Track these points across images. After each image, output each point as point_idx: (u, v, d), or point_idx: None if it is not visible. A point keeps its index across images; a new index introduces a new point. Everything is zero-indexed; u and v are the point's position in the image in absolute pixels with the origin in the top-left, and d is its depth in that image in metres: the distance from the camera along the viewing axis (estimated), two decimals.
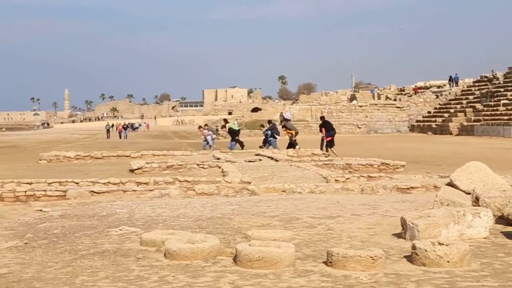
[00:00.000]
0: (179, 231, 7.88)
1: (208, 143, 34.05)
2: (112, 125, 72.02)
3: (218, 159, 21.32)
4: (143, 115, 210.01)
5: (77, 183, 13.33)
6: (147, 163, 19.39)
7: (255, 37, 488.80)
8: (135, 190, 12.35)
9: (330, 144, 30.01)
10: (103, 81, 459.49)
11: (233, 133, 34.17)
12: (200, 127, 37.24)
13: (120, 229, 8.54)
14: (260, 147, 31.69)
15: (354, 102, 73.39)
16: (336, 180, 14.03)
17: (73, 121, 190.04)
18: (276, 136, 31.96)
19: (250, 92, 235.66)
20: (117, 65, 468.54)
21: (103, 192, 12.19)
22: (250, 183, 13.18)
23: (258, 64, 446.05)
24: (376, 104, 65.86)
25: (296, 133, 32.27)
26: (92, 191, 12.16)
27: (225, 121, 38.95)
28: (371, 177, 14.53)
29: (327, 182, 14.03)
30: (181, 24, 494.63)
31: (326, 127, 31.05)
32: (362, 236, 8.00)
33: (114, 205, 11.10)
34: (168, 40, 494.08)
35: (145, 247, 7.38)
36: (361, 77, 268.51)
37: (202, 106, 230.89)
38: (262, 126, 34.93)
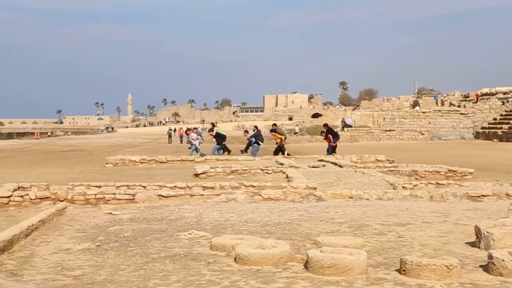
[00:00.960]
0: (249, 236, 7.87)
1: (196, 147, 32.84)
2: (174, 129, 72.58)
3: (282, 164, 21.28)
4: (203, 120, 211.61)
5: (145, 187, 13.47)
6: (211, 167, 19.48)
7: (317, 43, 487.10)
8: (202, 195, 12.40)
9: (334, 150, 30.79)
10: (166, 87, 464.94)
11: (220, 138, 32.82)
12: (188, 129, 36.40)
13: (190, 233, 8.58)
14: (241, 152, 32.19)
15: (417, 108, 72.34)
16: (403, 187, 13.81)
17: (137, 126, 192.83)
18: (260, 143, 32.12)
19: (310, 97, 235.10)
20: (179, 70, 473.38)
21: (171, 196, 12.28)
22: (316, 188, 13.09)
23: (319, 70, 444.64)
24: (439, 111, 64.69)
25: (285, 138, 32.92)
26: (160, 195, 12.26)
27: (213, 125, 36.92)
28: (439, 184, 14.26)
29: (394, 188, 13.83)
30: (243, 30, 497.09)
31: (332, 134, 32.06)
32: (434, 244, 7.84)
33: (182, 209, 11.18)
34: (229, 46, 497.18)
35: (215, 252, 7.40)
36: (424, 83, 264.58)
37: (262, 111, 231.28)
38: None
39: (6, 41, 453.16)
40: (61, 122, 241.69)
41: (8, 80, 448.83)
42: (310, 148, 45.55)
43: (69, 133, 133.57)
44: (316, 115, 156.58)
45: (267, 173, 18.79)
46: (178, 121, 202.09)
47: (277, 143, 32.06)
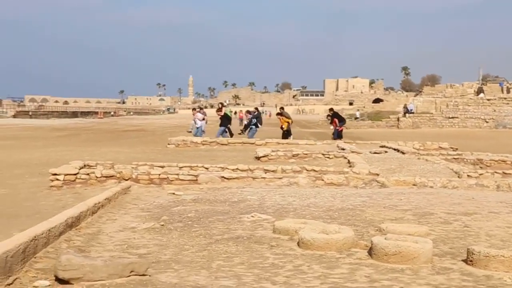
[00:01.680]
0: (312, 221, 7.85)
1: (201, 129, 31.34)
2: (235, 112, 72.75)
3: (343, 149, 21.13)
4: (264, 103, 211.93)
5: (207, 168, 13.57)
6: (272, 151, 19.49)
7: (379, 27, 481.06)
8: (264, 178, 12.42)
9: (340, 135, 31.19)
10: (226, 69, 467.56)
11: (227, 119, 32.06)
12: (194, 109, 33.84)
13: (252, 216, 8.61)
14: (240, 133, 32.62)
15: (481, 95, 70.72)
16: (468, 176, 13.55)
17: (207, 107, 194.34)
18: (259, 125, 32.31)
19: (372, 82, 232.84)
20: (241, 53, 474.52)
21: (233, 178, 12.33)
22: (378, 175, 12.95)
23: (380, 55, 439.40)
24: (505, 98, 63.16)
25: (291, 122, 32.37)
26: (222, 177, 12.32)
27: (221, 104, 34.93)
28: (506, 173, 13.93)
29: (459, 177, 13.57)
30: (304, 13, 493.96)
31: (338, 118, 32.38)
32: (502, 235, 7.67)
33: (244, 191, 11.22)
34: (290, 28, 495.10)
35: (278, 235, 7.41)
36: (489, 69, 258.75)
37: (323, 95, 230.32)
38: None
39: (70, 24, 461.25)
40: (123, 102, 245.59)
41: (74, 61, 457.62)
42: (371, 134, 45.18)
43: (132, 113, 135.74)
44: (377, 100, 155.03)
45: (328, 158, 18.69)
46: (238, 104, 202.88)
47: (281, 127, 31.44)
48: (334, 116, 32.54)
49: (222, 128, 30.91)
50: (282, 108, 33.76)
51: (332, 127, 33.20)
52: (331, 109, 35.36)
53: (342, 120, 32.62)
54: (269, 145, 24.21)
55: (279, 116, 31.95)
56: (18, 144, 27.51)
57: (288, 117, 31.82)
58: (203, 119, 31.47)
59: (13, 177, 14.19)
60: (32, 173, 14.85)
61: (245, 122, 63.44)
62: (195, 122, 31.84)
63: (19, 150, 23.26)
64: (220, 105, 32.76)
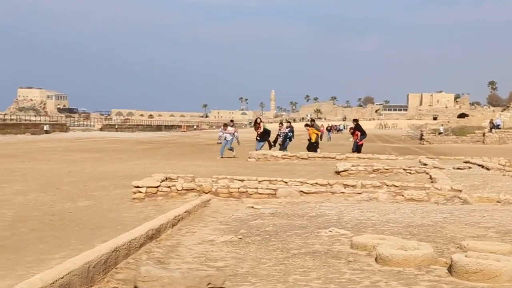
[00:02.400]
0: (390, 237, 7.75)
1: (230, 142, 29.82)
2: (327, 127, 72.30)
3: (425, 164, 20.79)
4: (345, 118, 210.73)
5: (286, 182, 13.59)
6: (352, 165, 19.36)
7: (464, 41, 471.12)
8: (343, 192, 12.34)
9: (359, 149, 30.18)
10: (308, 83, 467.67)
11: (266, 134, 31.23)
12: (225, 124, 31.52)
13: (330, 231, 8.57)
14: (270, 147, 31.68)
15: None
16: None
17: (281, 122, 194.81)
18: (292, 139, 32.02)
19: (457, 97, 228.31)
20: (323, 67, 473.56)
21: (312, 193, 12.31)
22: (461, 191, 12.67)
23: (466, 69, 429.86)
24: None
25: (321, 135, 32.48)
26: (301, 191, 12.32)
27: (260, 119, 32.78)
28: None
29: None
30: (389, 27, 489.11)
31: (361, 131, 31.06)
32: None
33: (322, 206, 11.19)
34: (374, 42, 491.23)
35: (356, 251, 7.34)
36: None
37: (406, 110, 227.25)
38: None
39: (156, 41, 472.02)
40: (206, 116, 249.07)
41: (159, 76, 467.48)
42: (456, 149, 44.24)
43: (214, 126, 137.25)
44: (462, 115, 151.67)
45: (409, 173, 18.41)
46: (319, 118, 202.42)
47: (309, 139, 31.21)
48: (357, 129, 31.62)
49: (262, 143, 30.81)
50: (313, 120, 33.83)
51: (352, 139, 32.71)
52: (355, 120, 34.47)
53: (363, 134, 31.51)
54: (350, 160, 24.07)
55: (308, 127, 31.84)
56: (104, 156, 28.29)
57: (318, 129, 31.90)
58: (234, 133, 30.75)
59: (98, 189, 14.60)
60: (116, 185, 15.24)
61: (325, 136, 63.43)
62: (223, 136, 30.34)
63: (105, 162, 23.91)
64: (259, 120, 32.02)
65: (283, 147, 30.60)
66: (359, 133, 31.07)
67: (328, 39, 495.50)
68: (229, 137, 29.61)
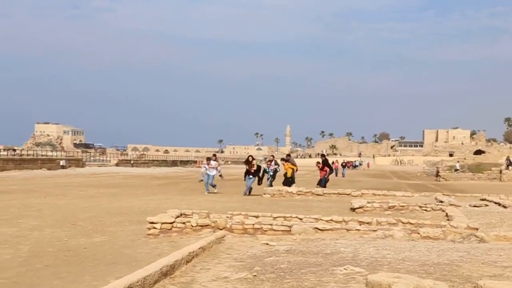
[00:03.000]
0: (406, 275, 7.67)
1: (212, 177, 29.44)
2: (332, 162, 72.24)
3: (441, 202, 20.66)
4: (360, 154, 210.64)
5: (301, 219, 13.55)
6: (368, 202, 19.28)
7: (481, 77, 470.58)
8: (358, 229, 12.28)
9: (325, 184, 31.61)
10: (323, 119, 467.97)
11: (258, 170, 29.64)
12: (208, 158, 30.97)
13: (345, 269, 8.52)
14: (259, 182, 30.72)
15: None
16: None
17: (304, 156, 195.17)
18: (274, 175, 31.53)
19: (473, 133, 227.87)
20: (338, 102, 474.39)
21: (327, 230, 12.26)
22: (477, 229, 12.57)
23: (482, 105, 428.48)
24: None
25: (296, 170, 31.54)
26: (316, 228, 12.28)
27: (252, 158, 30.59)
28: None
29: None
30: (404, 64, 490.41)
31: (329, 167, 33.04)
32: None
33: (337, 243, 11.13)
34: (389, 78, 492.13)
35: None
36: None
37: (421, 146, 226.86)
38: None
39: (170, 76, 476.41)
40: (222, 151, 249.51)
41: (174, 111, 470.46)
42: (472, 186, 44.01)
43: (229, 162, 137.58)
44: (478, 152, 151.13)
45: (425, 210, 18.30)
46: (335, 154, 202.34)
47: (285, 175, 31.05)
48: (326, 164, 32.77)
49: (253, 178, 29.05)
50: (288, 155, 33.92)
51: (321, 175, 33.07)
52: (323, 155, 35.48)
53: (331, 170, 33.52)
54: (365, 196, 23.98)
55: (284, 162, 31.72)
56: (120, 192, 28.38)
57: (294, 164, 31.50)
58: (217, 168, 30.10)
59: (113, 224, 14.63)
60: (131, 221, 15.27)
61: (339, 172, 63.26)
62: (206, 169, 29.79)
63: (120, 198, 23.98)
64: (251, 158, 30.21)
65: (270, 183, 30.29)
66: (327, 169, 32.62)
67: (343, 74, 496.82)
68: (211, 173, 29.34)
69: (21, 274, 8.55)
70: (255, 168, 29.10)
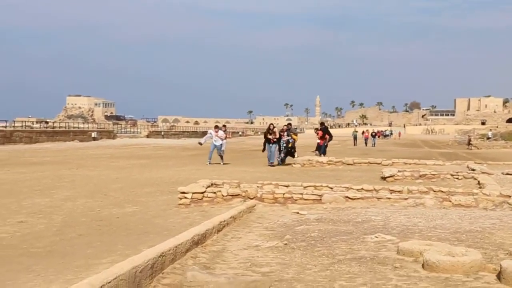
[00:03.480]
0: (437, 243, 7.65)
1: (220, 147, 27.52)
2: (363, 132, 71.78)
3: (473, 170, 20.49)
4: (391, 123, 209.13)
5: (331, 188, 13.53)
6: (399, 171, 19.19)
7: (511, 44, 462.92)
8: (389, 198, 12.23)
9: (325, 151, 31.01)
10: (354, 88, 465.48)
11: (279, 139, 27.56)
12: (216, 127, 29.00)
13: (376, 237, 8.51)
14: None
15: None
16: None
17: (333, 127, 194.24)
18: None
19: (505, 102, 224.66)
20: (368, 72, 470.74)
21: (357, 198, 12.23)
22: (510, 197, 12.43)
23: None
24: None
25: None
26: (346, 197, 12.26)
27: (273, 126, 28.35)
28: None
29: None
30: (435, 31, 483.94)
31: (329, 134, 32.21)
32: None
33: (368, 211, 11.11)
34: (420, 47, 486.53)
35: (402, 257, 7.27)
36: None
37: (453, 115, 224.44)
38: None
39: (203, 50, 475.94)
40: (251, 122, 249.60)
41: (204, 83, 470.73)
42: (504, 154, 43.52)
43: (259, 132, 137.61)
44: (511, 120, 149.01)
45: (457, 178, 18.16)
46: (365, 123, 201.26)
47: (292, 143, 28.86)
48: (326, 132, 31.90)
49: (274, 145, 27.20)
50: (290, 124, 31.88)
51: (319, 141, 31.99)
52: (322, 123, 33.90)
53: (331, 137, 32.34)
54: (396, 165, 23.86)
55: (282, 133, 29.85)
56: (151, 163, 28.58)
57: (295, 133, 29.85)
58: (225, 138, 28.31)
59: (144, 195, 14.75)
60: (162, 191, 15.38)
61: (370, 141, 62.89)
62: (211, 137, 28.00)
63: (151, 169, 24.15)
64: (272, 126, 27.97)
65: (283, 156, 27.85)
66: (327, 136, 31.78)
67: (374, 44, 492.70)
68: (217, 142, 27.42)
69: (55, 243, 8.68)
70: (277, 136, 27.36)
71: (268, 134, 27.38)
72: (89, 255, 7.66)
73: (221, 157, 27.59)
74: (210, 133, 28.20)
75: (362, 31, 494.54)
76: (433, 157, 35.27)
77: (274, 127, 28.01)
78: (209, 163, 26.98)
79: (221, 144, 27.47)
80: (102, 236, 9.19)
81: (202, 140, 29.15)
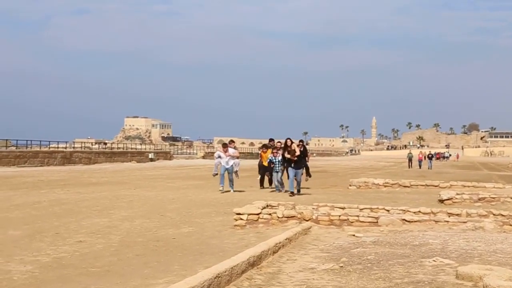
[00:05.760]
0: (498, 267, 7.47)
1: (231, 169, 22.49)
2: (429, 154, 70.27)
3: None
4: (448, 145, 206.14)
5: (388, 211, 13.38)
6: (457, 193, 18.85)
7: None
8: (447, 221, 12.03)
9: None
10: (410, 110, 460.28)
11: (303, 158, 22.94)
12: (225, 145, 23.37)
13: (434, 260, 8.37)
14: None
15: None
16: None
17: (389, 148, 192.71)
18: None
19: None
20: (425, 93, 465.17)
21: (415, 221, 12.06)
22: None
23: None
24: None
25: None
26: (403, 219, 12.10)
27: (290, 141, 22.44)
28: None
29: None
30: (494, 52, 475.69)
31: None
32: None
33: (426, 235, 10.94)
34: (479, 67, 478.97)
35: (461, 281, 7.13)
36: None
37: None
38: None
39: (258, 67, 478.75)
40: (307, 144, 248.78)
41: (260, 103, 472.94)
42: None
43: (314, 154, 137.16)
44: None
45: None
46: (422, 145, 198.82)
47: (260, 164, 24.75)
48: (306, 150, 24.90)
49: (299, 170, 21.99)
50: (271, 139, 25.31)
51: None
52: (301, 140, 25.22)
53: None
54: (454, 188, 23.46)
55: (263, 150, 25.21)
56: (206, 184, 28.74)
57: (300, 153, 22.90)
58: (235, 159, 22.87)
59: (200, 215, 14.84)
60: (218, 212, 15.46)
61: (425, 164, 61.90)
62: (219, 163, 22.96)
63: (206, 190, 24.27)
64: (289, 142, 22.43)
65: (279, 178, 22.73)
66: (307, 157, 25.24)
67: (431, 65, 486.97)
68: (229, 163, 22.43)
69: (113, 263, 8.80)
70: (298, 153, 21.82)
71: (286, 153, 21.95)
72: (146, 275, 7.75)
73: (231, 182, 22.44)
74: (219, 156, 23.00)
75: (419, 51, 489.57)
76: (492, 179, 34.55)
77: (292, 142, 22.45)
78: (221, 188, 22.13)
79: (232, 165, 22.58)
80: (159, 257, 9.29)
81: (214, 169, 23.39)
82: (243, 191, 22.81)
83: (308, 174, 24.99)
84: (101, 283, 7.31)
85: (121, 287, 7.04)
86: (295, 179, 21.41)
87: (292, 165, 21.61)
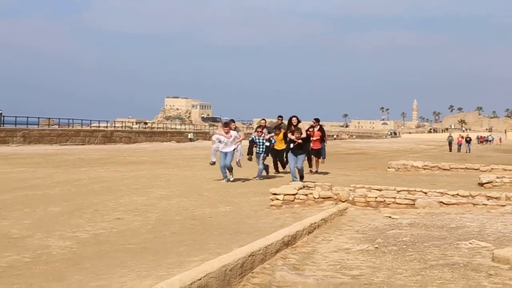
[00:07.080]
0: None
1: (235, 154, 18.94)
2: (467, 137, 69.04)
3: None
4: (491, 128, 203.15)
5: (425, 193, 13.27)
6: (497, 177, 18.62)
7: None
8: (485, 204, 11.90)
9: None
10: (452, 93, 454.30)
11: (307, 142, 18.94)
12: (226, 124, 19.46)
13: (470, 243, 8.29)
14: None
15: None
16: None
17: (431, 131, 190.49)
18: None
19: None
20: (468, 75, 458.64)
21: (452, 204, 11.96)
22: None
23: None
24: None
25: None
26: (440, 202, 12.00)
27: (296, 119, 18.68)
28: None
29: None
30: None
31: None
32: None
33: (463, 217, 10.84)
34: None
35: (497, 264, 7.06)
36: None
37: None
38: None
39: (296, 49, 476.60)
40: (346, 126, 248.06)
41: (301, 84, 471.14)
42: None
43: (354, 136, 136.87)
44: None
45: None
46: (464, 129, 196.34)
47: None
48: (323, 133, 23.22)
49: (301, 157, 18.07)
50: (280, 116, 22.75)
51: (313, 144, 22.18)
52: (317, 120, 23.29)
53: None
54: (494, 171, 23.15)
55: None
56: (244, 163, 28.80)
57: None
58: (237, 143, 19.12)
59: (237, 195, 14.91)
60: (254, 192, 15.51)
61: (464, 147, 61.00)
62: (218, 147, 19.06)
63: (244, 170, 24.33)
64: (295, 120, 18.61)
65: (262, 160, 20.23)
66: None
67: (474, 48, 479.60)
68: (228, 148, 18.71)
69: (149, 240, 8.92)
70: (303, 135, 18.12)
71: (290, 133, 18.18)
72: (181, 253, 7.83)
73: (230, 170, 18.70)
74: (218, 139, 19.07)
75: (465, 32, 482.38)
76: None
77: (298, 121, 18.60)
78: (225, 180, 18.53)
79: (233, 151, 18.90)
80: (195, 235, 9.37)
81: (213, 157, 19.48)
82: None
83: (323, 156, 23.13)
84: (137, 259, 7.41)
85: (156, 263, 7.13)
86: (296, 167, 17.71)
87: (291, 148, 17.78)
